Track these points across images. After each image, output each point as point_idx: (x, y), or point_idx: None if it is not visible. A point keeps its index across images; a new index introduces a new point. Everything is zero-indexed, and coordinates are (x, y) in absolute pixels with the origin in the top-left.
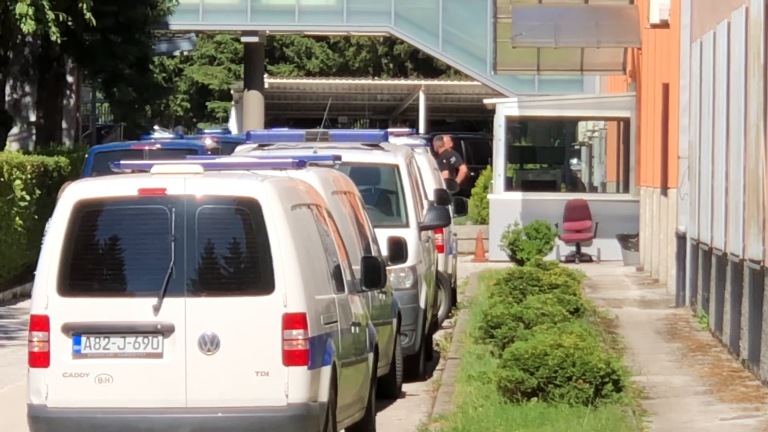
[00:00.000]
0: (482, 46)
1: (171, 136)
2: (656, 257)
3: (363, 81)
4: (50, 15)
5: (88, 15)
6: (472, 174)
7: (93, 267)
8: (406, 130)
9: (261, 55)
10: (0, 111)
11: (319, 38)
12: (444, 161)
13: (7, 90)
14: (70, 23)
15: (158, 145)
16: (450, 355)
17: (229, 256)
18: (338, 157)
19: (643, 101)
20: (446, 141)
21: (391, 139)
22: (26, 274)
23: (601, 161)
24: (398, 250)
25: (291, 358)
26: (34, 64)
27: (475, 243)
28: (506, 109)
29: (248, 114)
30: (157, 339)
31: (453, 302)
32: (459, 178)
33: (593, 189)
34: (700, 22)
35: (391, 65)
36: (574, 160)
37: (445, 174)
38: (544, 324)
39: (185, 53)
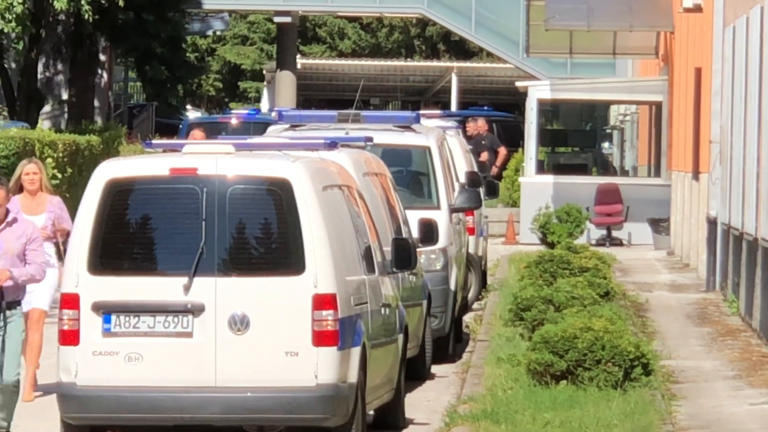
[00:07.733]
0: (515, 28)
1: (248, 112)
2: (687, 242)
3: (395, 62)
4: None
5: None
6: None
7: (124, 246)
8: (438, 112)
9: (294, 35)
10: (32, 89)
11: (351, 19)
12: (483, 143)
13: (40, 68)
14: (103, 1)
15: (242, 119)
16: (480, 337)
17: (260, 237)
18: (370, 139)
19: (675, 85)
20: (480, 124)
21: (423, 121)
22: None
23: (632, 145)
24: (429, 232)
25: (321, 338)
26: (67, 42)
27: (506, 226)
28: (538, 92)
29: (280, 94)
30: (187, 318)
31: (483, 284)
32: (499, 161)
33: (624, 173)
34: (733, 6)
35: (423, 47)
36: (606, 144)
37: (485, 156)
38: (574, 307)
39: (218, 33)
